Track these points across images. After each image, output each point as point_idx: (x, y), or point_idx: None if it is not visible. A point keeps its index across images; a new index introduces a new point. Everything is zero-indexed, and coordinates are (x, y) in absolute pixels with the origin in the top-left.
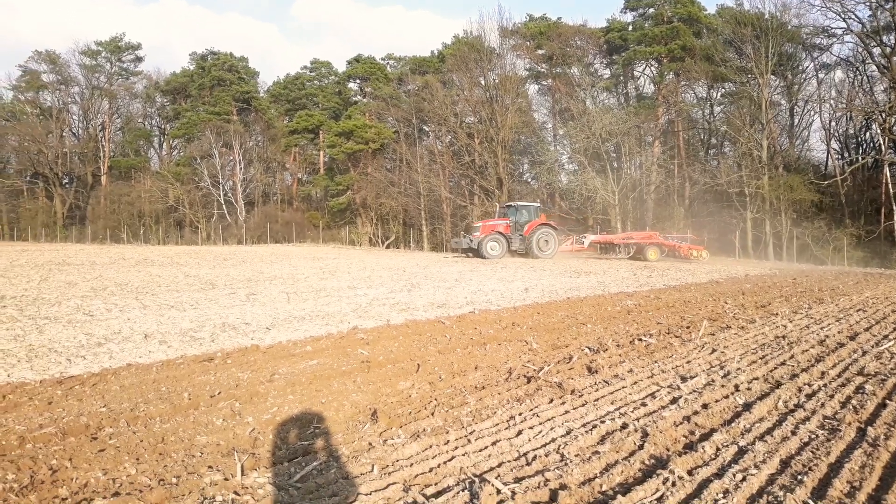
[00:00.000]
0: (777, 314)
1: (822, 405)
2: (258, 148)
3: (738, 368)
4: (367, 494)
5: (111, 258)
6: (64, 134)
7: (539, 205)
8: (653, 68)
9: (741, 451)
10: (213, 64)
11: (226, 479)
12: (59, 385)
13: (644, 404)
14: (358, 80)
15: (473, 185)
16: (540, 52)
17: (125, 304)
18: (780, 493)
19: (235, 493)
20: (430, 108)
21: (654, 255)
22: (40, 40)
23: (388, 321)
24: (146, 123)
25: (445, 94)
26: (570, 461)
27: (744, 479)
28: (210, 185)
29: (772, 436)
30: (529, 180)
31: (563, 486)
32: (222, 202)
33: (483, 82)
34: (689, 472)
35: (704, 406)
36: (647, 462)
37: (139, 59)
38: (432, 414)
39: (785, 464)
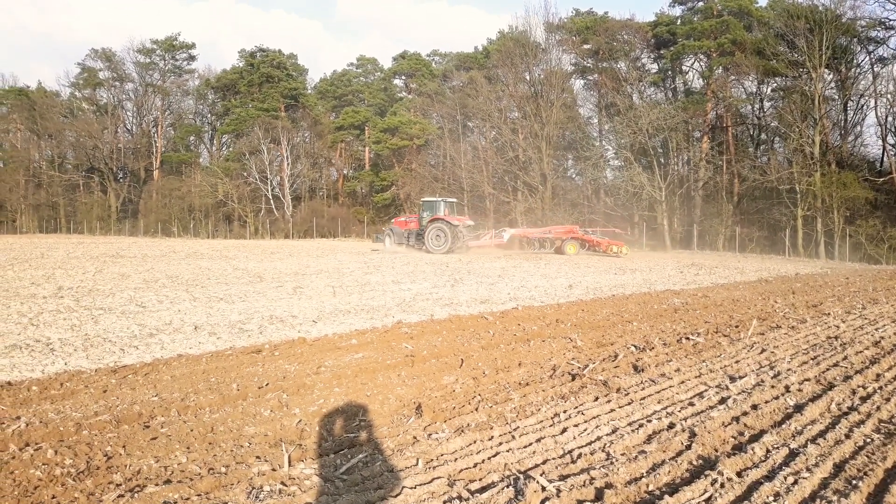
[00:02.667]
0: (829, 314)
1: (878, 408)
2: (305, 144)
3: (789, 369)
4: (411, 488)
5: (162, 251)
6: (118, 130)
7: (453, 200)
8: (702, 63)
9: (793, 454)
10: (262, 61)
11: (273, 470)
12: (114, 374)
13: (691, 404)
14: (403, 77)
15: (517, 181)
16: (586, 46)
17: (176, 295)
18: (834, 498)
19: (283, 483)
20: (474, 104)
21: (572, 249)
22: (93, 38)
23: (432, 316)
24: (197, 120)
25: (490, 89)
26: (616, 460)
27: (795, 482)
28: (258, 181)
29: (825, 439)
30: (574, 176)
31: (609, 485)
32: (270, 197)
33: (528, 77)
34: (739, 474)
35: (754, 407)
36: (694, 462)
37: (192, 58)
38: (476, 409)
39: (839, 468)
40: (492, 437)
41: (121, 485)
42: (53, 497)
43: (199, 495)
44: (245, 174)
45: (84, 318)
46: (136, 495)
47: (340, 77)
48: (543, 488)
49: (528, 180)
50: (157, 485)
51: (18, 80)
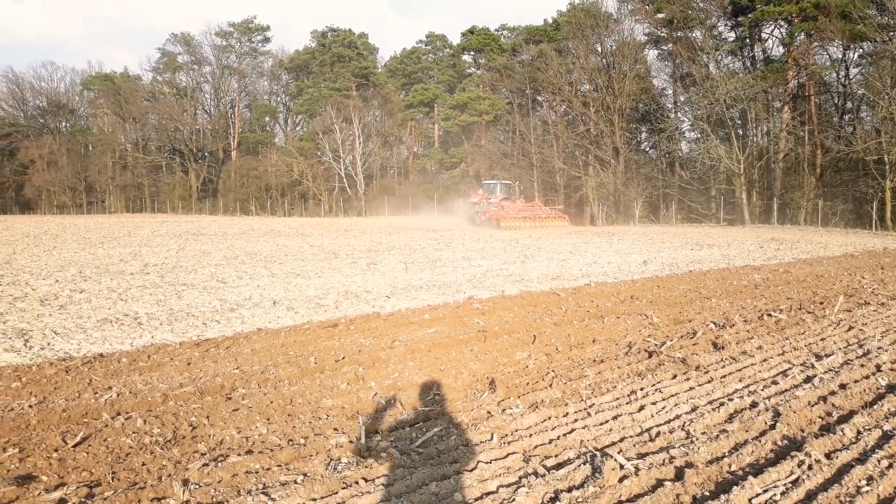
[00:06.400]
0: None
1: None
2: (376, 122)
3: (880, 347)
4: (487, 463)
5: (241, 229)
6: (197, 112)
7: (508, 182)
8: (782, 29)
9: (886, 436)
10: (333, 41)
11: (350, 442)
12: (197, 347)
13: (775, 382)
14: (472, 52)
15: (588, 156)
16: (660, 15)
17: (255, 272)
18: None
19: (360, 455)
20: (544, 78)
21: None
22: (169, 24)
23: (503, 292)
24: (271, 100)
25: (560, 62)
26: (697, 439)
27: (890, 465)
28: (331, 160)
29: None
30: (647, 149)
31: (690, 465)
32: (343, 176)
33: (600, 49)
34: (827, 456)
35: (842, 386)
36: (779, 443)
37: (267, 40)
38: (550, 385)
39: None
40: (567, 413)
41: (205, 454)
42: (143, 464)
43: (279, 466)
44: (318, 153)
45: (168, 294)
46: (219, 464)
47: (410, 55)
48: (621, 466)
49: (600, 154)
50: (239, 455)
51: (104, 66)
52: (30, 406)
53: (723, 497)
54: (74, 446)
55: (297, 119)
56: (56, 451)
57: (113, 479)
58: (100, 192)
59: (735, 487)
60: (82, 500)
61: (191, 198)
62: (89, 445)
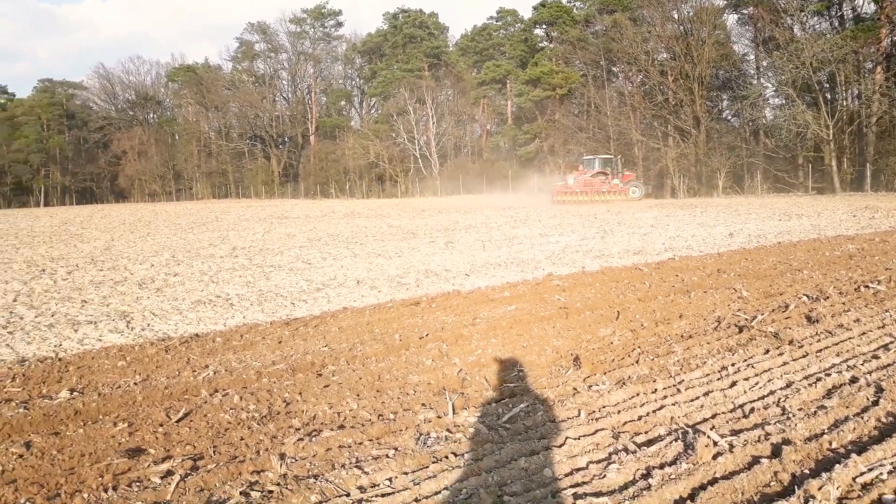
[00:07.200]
0: None
1: None
2: (449, 102)
3: None
4: (575, 439)
5: (322, 211)
6: (276, 99)
7: (609, 156)
8: None
9: None
10: (405, 22)
11: (438, 417)
12: (287, 326)
13: (876, 357)
14: (544, 26)
15: (667, 126)
16: None
17: (338, 252)
18: None
19: (448, 430)
20: (619, 48)
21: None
22: (245, 14)
23: (583, 268)
24: (346, 84)
25: (635, 31)
26: (793, 415)
27: None
28: (406, 141)
29: None
30: (730, 118)
31: (787, 441)
32: (418, 156)
33: (676, 16)
34: None
35: None
36: (883, 420)
37: (339, 24)
38: (637, 362)
39: None
40: (655, 389)
41: (299, 429)
42: (242, 439)
43: (370, 440)
44: (393, 135)
45: (257, 275)
46: (313, 439)
47: (480, 32)
48: (715, 443)
49: (680, 124)
50: (332, 430)
51: (186, 58)
52: (135, 383)
53: (824, 475)
54: (177, 421)
55: (371, 102)
56: (161, 425)
57: (214, 452)
58: (187, 180)
59: (837, 466)
60: (187, 472)
61: (273, 182)
62: (191, 421)
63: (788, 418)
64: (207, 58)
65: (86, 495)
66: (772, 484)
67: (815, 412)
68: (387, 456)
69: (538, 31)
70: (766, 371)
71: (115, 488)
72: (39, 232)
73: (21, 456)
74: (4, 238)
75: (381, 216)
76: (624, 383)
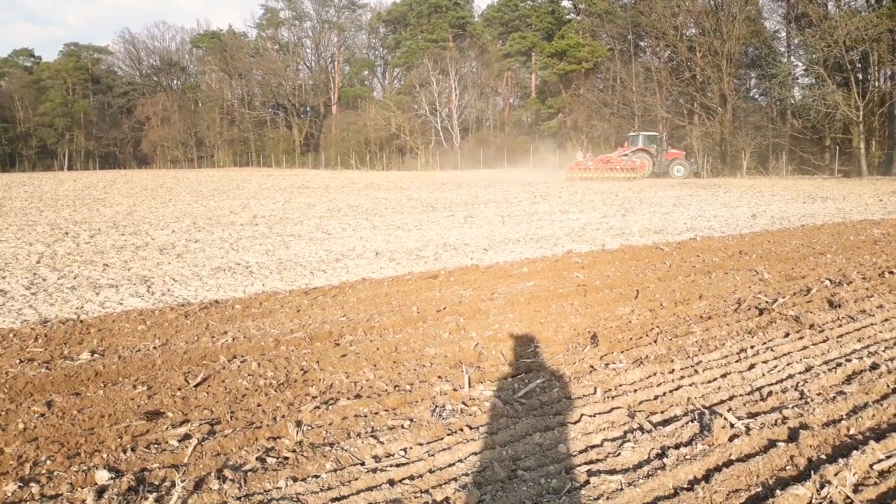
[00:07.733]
0: None
1: None
2: (472, 74)
3: None
4: (590, 416)
5: (342, 182)
6: (299, 67)
7: (654, 133)
8: None
9: None
10: None
11: (454, 390)
12: (305, 295)
13: None
14: None
15: (693, 104)
16: None
17: (357, 223)
18: None
19: (464, 403)
20: (647, 22)
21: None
22: None
23: (603, 245)
24: (370, 54)
25: (665, 5)
26: (812, 400)
27: None
28: (428, 113)
29: None
30: (757, 96)
31: (805, 426)
32: (439, 129)
33: None
34: None
35: None
36: None
37: None
38: (655, 341)
39: None
40: (672, 370)
41: (316, 397)
42: (259, 405)
43: (386, 410)
44: (415, 107)
45: (277, 244)
46: (330, 407)
47: (507, 2)
48: (731, 425)
49: (706, 102)
50: (348, 399)
51: (211, 24)
52: (154, 348)
53: (841, 461)
54: (196, 386)
55: (394, 73)
56: (179, 389)
57: (231, 417)
58: (209, 147)
59: (854, 452)
60: (205, 436)
61: (294, 152)
62: (209, 386)
63: (806, 403)
64: (232, 24)
65: (105, 455)
66: (787, 468)
67: (834, 397)
68: (402, 426)
69: (565, 3)
70: (785, 355)
71: (133, 449)
72: (63, 195)
73: (42, 415)
74: (29, 201)
75: (400, 188)
76: (641, 362)
